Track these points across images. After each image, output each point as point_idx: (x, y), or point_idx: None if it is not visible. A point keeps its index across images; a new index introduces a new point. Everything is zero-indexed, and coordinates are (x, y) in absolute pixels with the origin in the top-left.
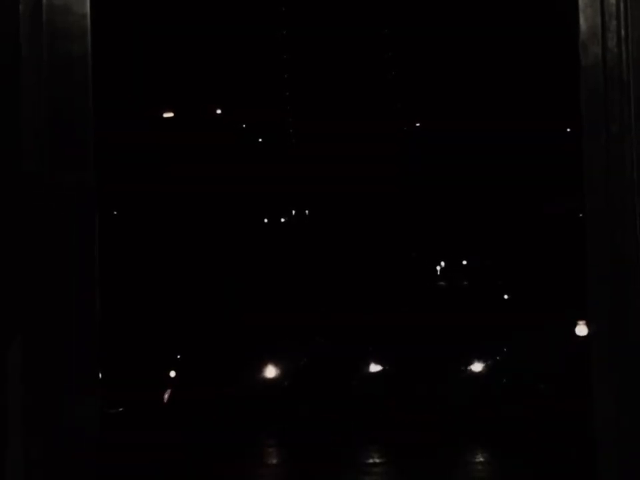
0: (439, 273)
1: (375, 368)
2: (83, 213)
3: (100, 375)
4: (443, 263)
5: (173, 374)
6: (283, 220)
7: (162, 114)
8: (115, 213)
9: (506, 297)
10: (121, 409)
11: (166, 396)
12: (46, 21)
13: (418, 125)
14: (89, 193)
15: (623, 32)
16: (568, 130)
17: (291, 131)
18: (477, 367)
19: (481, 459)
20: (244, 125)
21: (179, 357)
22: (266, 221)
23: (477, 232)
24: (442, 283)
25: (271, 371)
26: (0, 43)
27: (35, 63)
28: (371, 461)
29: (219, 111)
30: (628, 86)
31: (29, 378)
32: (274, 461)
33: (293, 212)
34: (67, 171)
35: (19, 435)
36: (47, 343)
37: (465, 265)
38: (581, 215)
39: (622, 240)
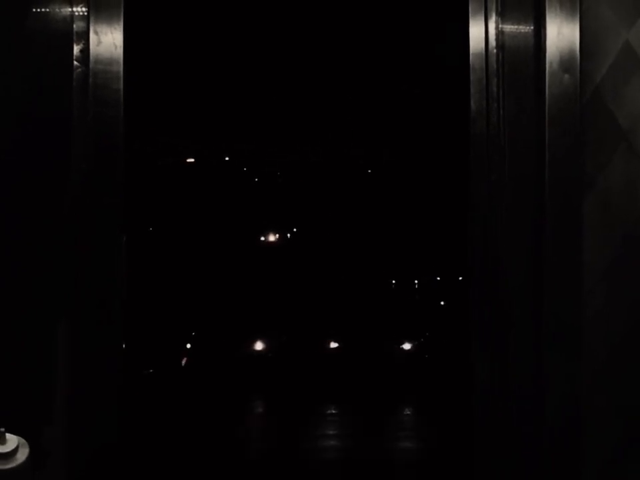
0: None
1: (334, 345)
2: (113, 228)
3: (123, 346)
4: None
5: (189, 345)
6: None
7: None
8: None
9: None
10: (151, 370)
11: (183, 362)
12: (91, 94)
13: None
14: (118, 216)
15: (501, 111)
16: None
17: (278, 173)
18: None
19: (408, 412)
20: (245, 168)
21: (193, 333)
22: (262, 239)
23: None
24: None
25: (259, 345)
26: (58, 109)
27: (82, 121)
28: (329, 411)
29: (227, 158)
30: (504, 148)
31: (72, 346)
32: (260, 410)
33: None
34: (99, 196)
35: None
36: (84, 324)
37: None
38: None
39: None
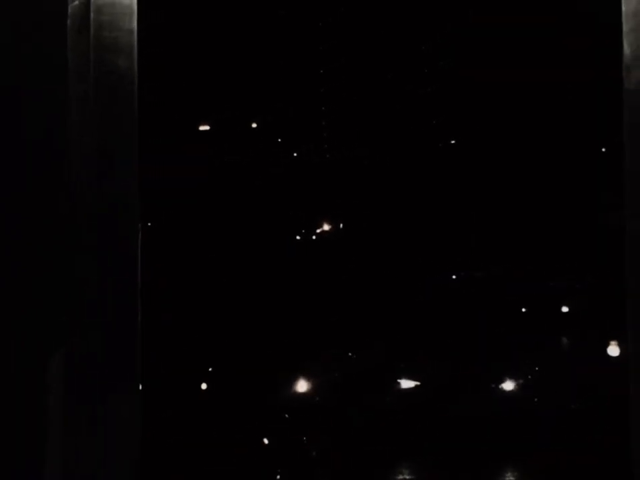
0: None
1: (407, 384)
2: (126, 222)
3: (140, 385)
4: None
5: (204, 386)
6: (314, 237)
7: (198, 127)
8: (149, 224)
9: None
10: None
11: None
12: (93, 36)
13: (453, 142)
14: (133, 202)
15: None
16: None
17: (326, 145)
18: (509, 385)
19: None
20: (279, 139)
21: (210, 369)
22: (298, 237)
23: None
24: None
25: (302, 386)
26: (48, 56)
27: (82, 75)
28: (400, 477)
29: (254, 125)
30: None
31: (70, 389)
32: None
33: (326, 227)
34: (113, 181)
35: (59, 444)
36: (88, 352)
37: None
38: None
39: None
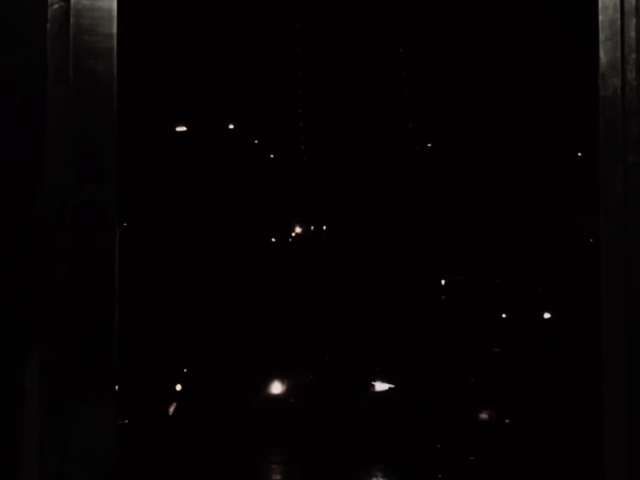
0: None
1: (381, 387)
2: (104, 227)
3: (116, 388)
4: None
5: (179, 387)
6: (290, 239)
7: (175, 128)
8: (125, 224)
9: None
10: (125, 421)
11: (171, 409)
12: (72, 40)
13: (429, 145)
14: (112, 206)
15: None
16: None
17: (303, 147)
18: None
19: None
20: (256, 141)
21: (185, 370)
22: (273, 240)
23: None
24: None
25: (277, 387)
26: (28, 59)
27: (61, 79)
28: None
29: (231, 126)
30: None
31: (47, 392)
32: (278, 478)
33: (299, 230)
34: (90, 186)
35: (35, 447)
36: (64, 358)
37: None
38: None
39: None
